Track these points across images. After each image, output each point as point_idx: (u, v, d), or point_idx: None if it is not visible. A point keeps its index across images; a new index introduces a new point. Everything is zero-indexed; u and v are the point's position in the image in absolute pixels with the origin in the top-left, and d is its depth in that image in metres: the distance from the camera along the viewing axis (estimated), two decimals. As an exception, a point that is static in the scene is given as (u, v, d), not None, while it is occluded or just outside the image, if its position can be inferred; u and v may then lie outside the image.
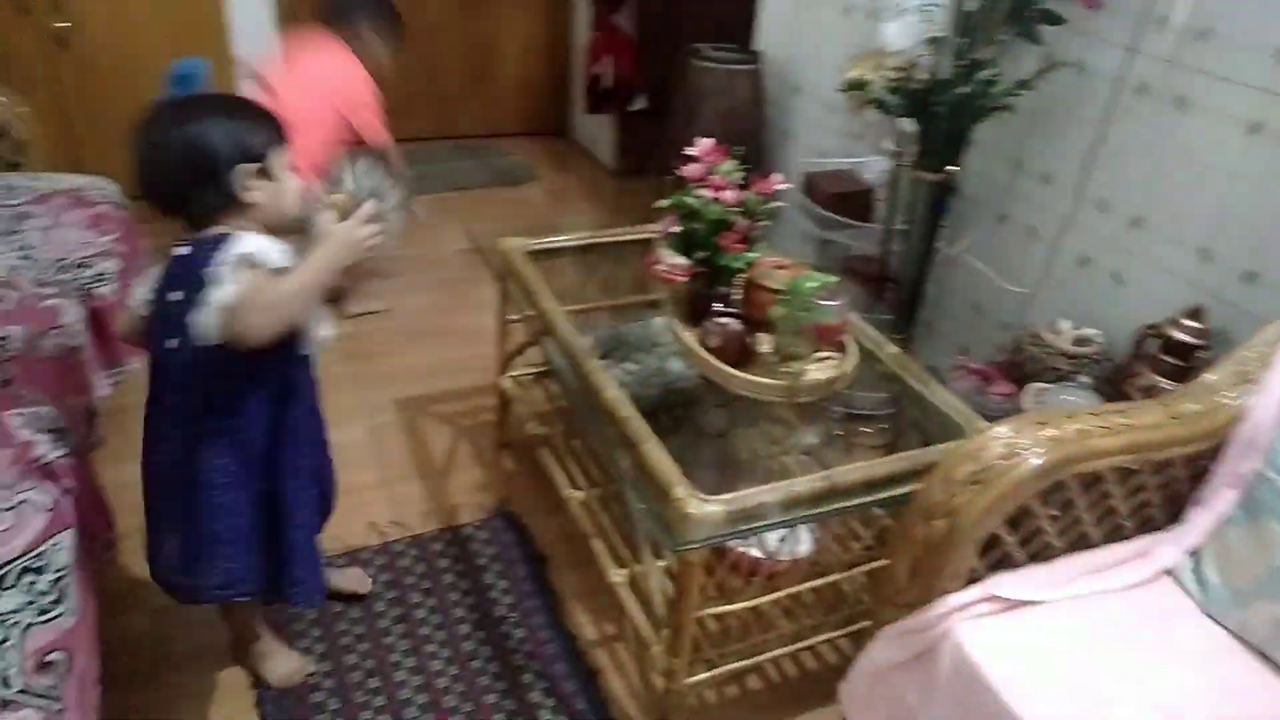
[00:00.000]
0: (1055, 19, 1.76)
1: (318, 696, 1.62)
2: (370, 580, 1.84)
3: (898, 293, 2.20)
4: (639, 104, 3.69)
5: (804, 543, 1.69)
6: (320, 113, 2.34)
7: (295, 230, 1.36)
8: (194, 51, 3.01)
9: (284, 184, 1.33)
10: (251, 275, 1.26)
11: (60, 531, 1.30)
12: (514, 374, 2.22)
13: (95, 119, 2.96)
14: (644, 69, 3.64)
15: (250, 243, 1.27)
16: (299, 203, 1.35)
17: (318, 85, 2.37)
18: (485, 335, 2.66)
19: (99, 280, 1.90)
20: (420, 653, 1.72)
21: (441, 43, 4.01)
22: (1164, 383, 1.66)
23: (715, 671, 1.51)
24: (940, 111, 1.79)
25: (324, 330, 1.39)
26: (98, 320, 1.89)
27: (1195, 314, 1.65)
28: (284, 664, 1.64)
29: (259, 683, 1.63)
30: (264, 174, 1.30)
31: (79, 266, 1.90)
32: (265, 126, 1.31)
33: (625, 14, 3.52)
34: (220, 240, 1.27)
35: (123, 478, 1.58)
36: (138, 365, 2.07)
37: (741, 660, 1.54)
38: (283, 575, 1.45)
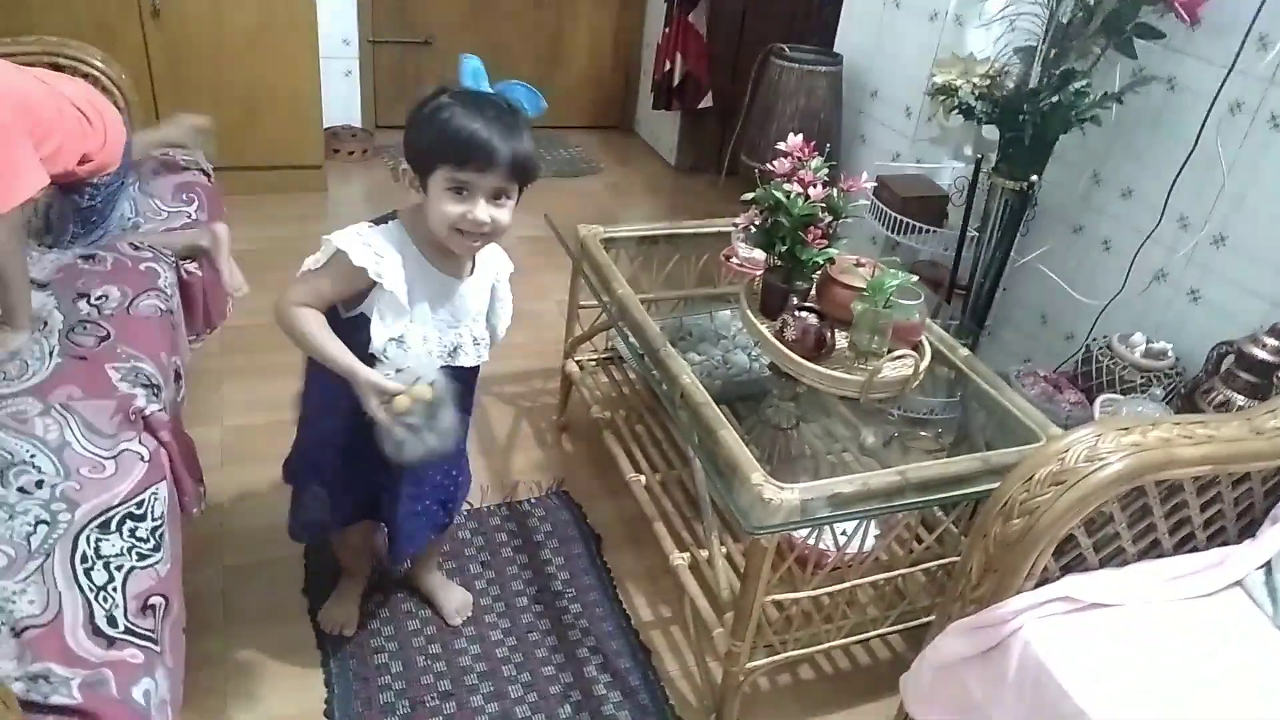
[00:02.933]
0: (1154, 33, 1.75)
1: (380, 658, 1.66)
2: (469, 612, 1.78)
3: (966, 299, 2.20)
4: (706, 102, 3.71)
5: (869, 539, 1.70)
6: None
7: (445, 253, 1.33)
8: (282, 37, 3.10)
9: (431, 208, 1.27)
10: (312, 265, 1.31)
11: (158, 482, 1.36)
12: (579, 358, 2.26)
13: (180, 88, 3.05)
14: (712, 67, 3.67)
15: (355, 238, 1.27)
16: (443, 236, 1.29)
17: None
18: (548, 320, 2.71)
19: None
20: (480, 621, 1.76)
21: (513, 32, 4.06)
22: (1239, 399, 1.65)
23: (776, 658, 1.53)
24: (1027, 120, 1.79)
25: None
26: (184, 289, 1.96)
27: (1277, 332, 1.63)
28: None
29: (324, 643, 1.68)
30: (422, 185, 1.28)
31: (167, 232, 1.97)
32: (443, 144, 1.24)
33: (700, 11, 3.55)
34: (376, 220, 1.33)
35: (198, 441, 1.64)
36: (214, 333, 2.15)
37: (801, 649, 1.56)
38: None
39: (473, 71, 1.28)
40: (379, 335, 1.28)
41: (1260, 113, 1.78)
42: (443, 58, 4.00)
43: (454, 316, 1.39)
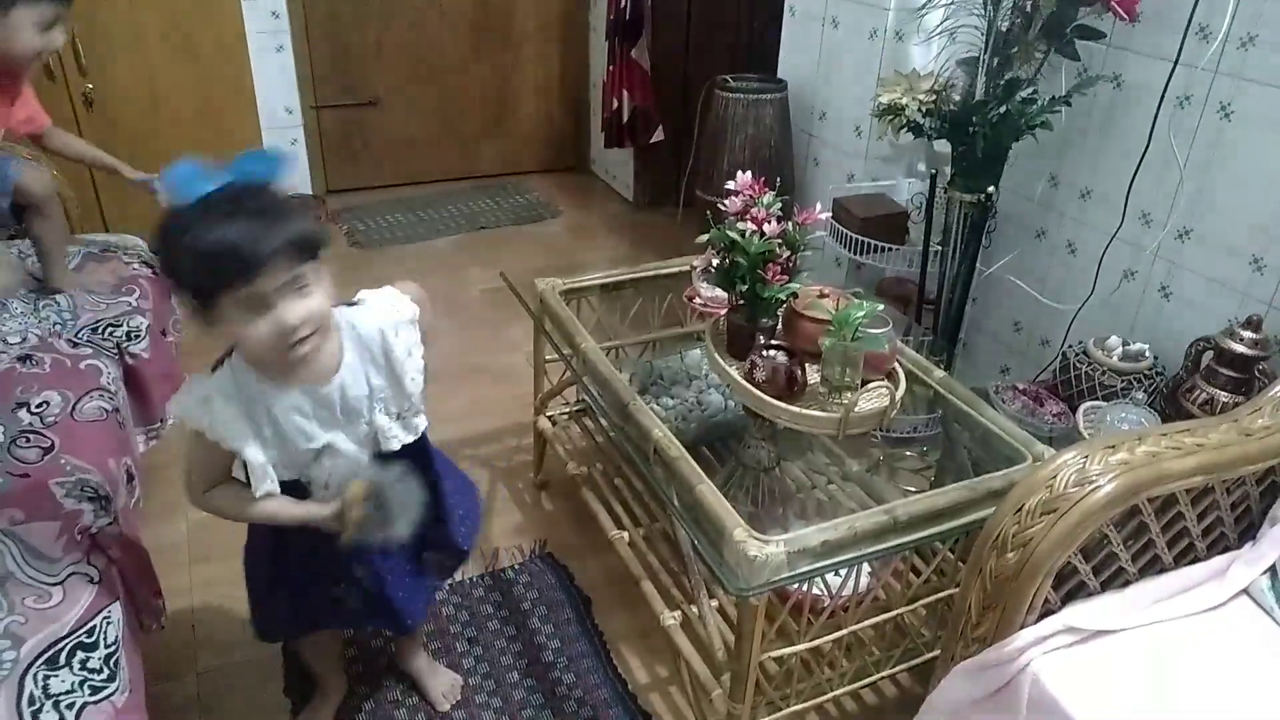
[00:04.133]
0: (1094, 34, 1.73)
1: (370, 754, 1.59)
2: (458, 695, 1.70)
3: (937, 315, 2.16)
4: (657, 136, 3.69)
5: (864, 576, 1.65)
6: None
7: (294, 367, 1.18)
8: (221, 114, 3.05)
9: (239, 336, 1.12)
10: (190, 448, 1.20)
11: (110, 604, 1.29)
12: (550, 413, 2.20)
13: (117, 181, 2.98)
14: (661, 101, 3.65)
15: (190, 401, 1.16)
16: (269, 360, 1.14)
17: None
18: (517, 375, 2.66)
19: (133, 338, 1.90)
20: (470, 703, 1.69)
21: (459, 84, 4.03)
22: (1222, 395, 1.62)
23: (779, 714, 1.47)
24: (977, 132, 1.77)
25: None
26: (132, 378, 1.89)
27: (1253, 324, 1.60)
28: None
29: (310, 742, 1.60)
30: (213, 318, 1.10)
31: (111, 325, 1.91)
32: (207, 272, 1.06)
33: (641, 47, 3.53)
34: (218, 362, 1.20)
35: (162, 540, 1.57)
36: (173, 422, 2.08)
37: (804, 701, 1.49)
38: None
39: (185, 177, 1.07)
40: (261, 482, 1.20)
41: (1209, 103, 1.76)
42: (390, 116, 3.97)
43: (352, 412, 1.25)
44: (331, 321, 1.19)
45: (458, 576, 1.95)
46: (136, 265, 2.13)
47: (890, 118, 1.88)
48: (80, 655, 1.17)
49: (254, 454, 1.18)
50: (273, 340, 1.10)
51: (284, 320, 1.09)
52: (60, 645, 1.16)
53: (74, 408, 1.62)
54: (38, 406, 1.60)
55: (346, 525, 1.20)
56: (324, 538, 1.24)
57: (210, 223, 1.04)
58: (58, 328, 1.85)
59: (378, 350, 1.25)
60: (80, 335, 1.84)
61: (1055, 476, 1.15)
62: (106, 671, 1.18)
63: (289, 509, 1.23)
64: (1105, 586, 1.25)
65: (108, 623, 1.23)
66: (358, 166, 4.01)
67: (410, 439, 1.31)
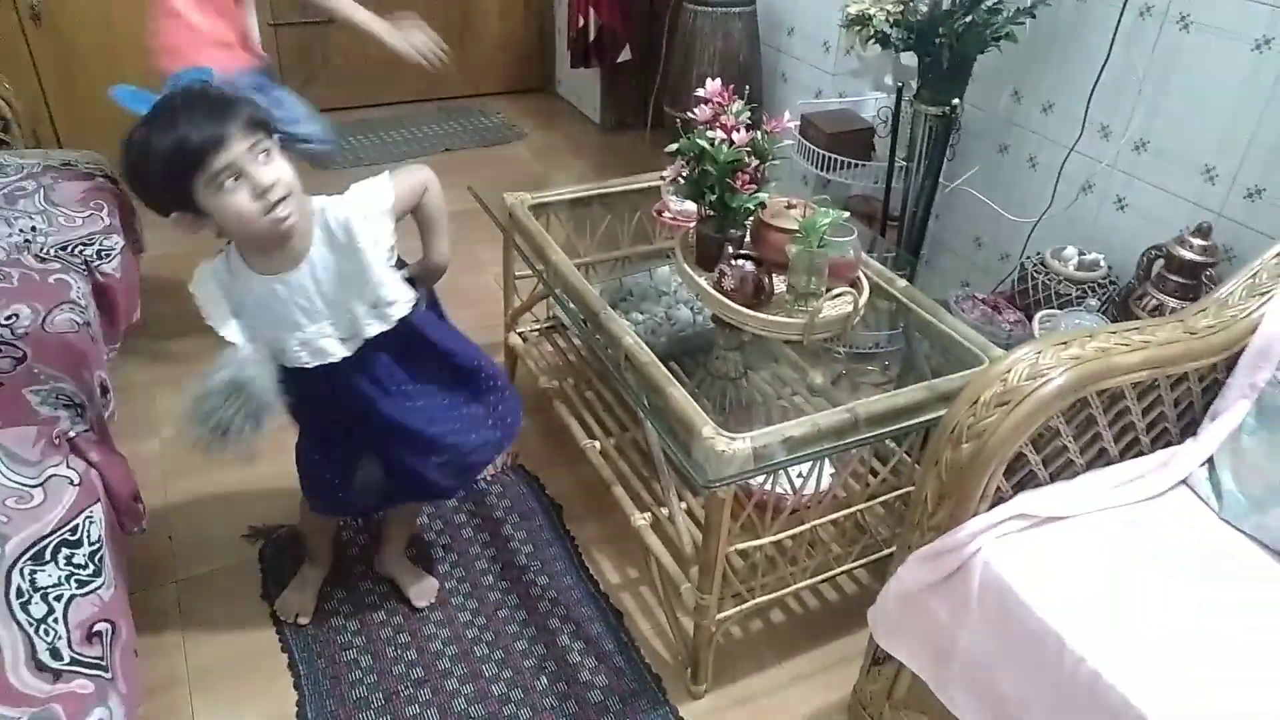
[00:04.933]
0: (1056, -57, 1.74)
1: (349, 654, 1.64)
2: (434, 596, 1.75)
3: (901, 230, 2.20)
4: (624, 56, 3.65)
5: (825, 478, 1.71)
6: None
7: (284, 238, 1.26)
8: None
9: (223, 218, 1.18)
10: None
11: (91, 505, 1.31)
12: (521, 330, 2.22)
13: (70, 96, 2.91)
14: (627, 19, 3.60)
15: (200, 288, 1.29)
16: (256, 229, 1.20)
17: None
18: (488, 295, 2.66)
19: (103, 256, 1.89)
20: (447, 605, 1.74)
21: (419, 3, 3.93)
22: (1171, 301, 1.68)
23: (744, 606, 1.53)
24: (943, 43, 1.78)
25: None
26: (101, 296, 1.88)
27: (1202, 232, 1.66)
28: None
29: (290, 646, 1.65)
30: (198, 211, 1.19)
31: (83, 244, 1.89)
32: (174, 164, 1.13)
33: (607, -37, 3.47)
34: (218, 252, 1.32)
35: (134, 457, 1.58)
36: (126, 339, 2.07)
37: (769, 594, 1.56)
38: None
39: (130, 97, 1.16)
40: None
41: (1169, 14, 1.79)
42: (350, 34, 3.86)
43: (333, 296, 1.31)
44: (305, 199, 1.26)
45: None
46: (99, 179, 2.10)
47: (858, 28, 1.88)
48: (65, 551, 1.20)
49: (230, 332, 1.27)
50: (253, 206, 1.17)
51: (258, 180, 1.17)
52: (45, 542, 1.19)
53: (45, 320, 1.62)
54: (7, 319, 1.60)
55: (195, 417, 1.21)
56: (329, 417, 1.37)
57: (166, 122, 1.14)
58: (26, 243, 1.83)
59: (344, 239, 1.28)
60: (47, 252, 1.82)
61: (1009, 371, 1.20)
62: (92, 567, 1.21)
63: None
64: (1055, 478, 1.32)
65: (90, 522, 1.26)
66: (317, 87, 3.91)
67: (385, 327, 1.35)
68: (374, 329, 1.34)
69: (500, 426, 1.56)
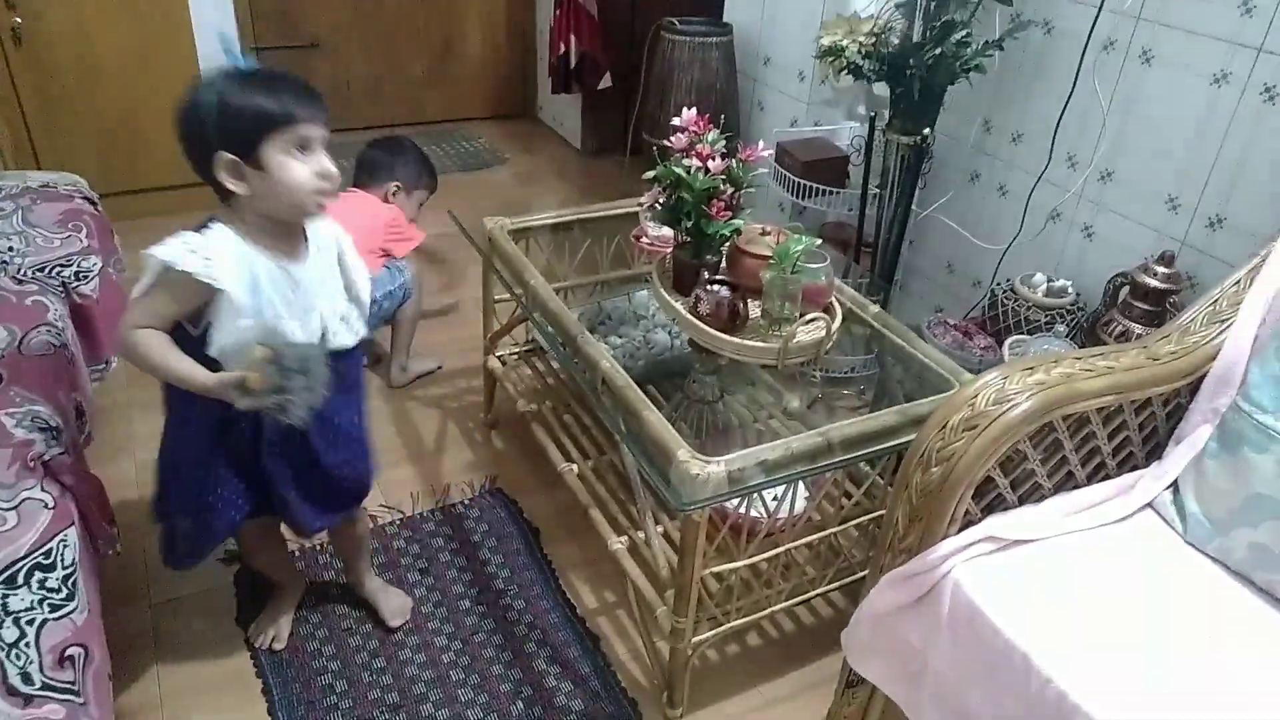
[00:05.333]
0: (1025, -21, 1.80)
1: (324, 678, 1.63)
2: (408, 615, 1.75)
3: (874, 256, 2.24)
4: (605, 83, 3.69)
5: (799, 501, 1.73)
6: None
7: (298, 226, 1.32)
8: (157, 51, 2.98)
9: (279, 178, 1.22)
10: (140, 290, 1.24)
11: (65, 528, 1.30)
12: (500, 354, 2.24)
13: (54, 117, 2.91)
14: (608, 47, 3.65)
15: (179, 246, 1.20)
16: (302, 201, 1.26)
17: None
18: (467, 318, 2.68)
19: (81, 278, 1.88)
20: (423, 629, 1.74)
21: (402, 28, 3.98)
22: (1136, 327, 1.71)
23: (720, 629, 1.54)
24: (914, 74, 1.82)
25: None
26: (80, 317, 1.88)
27: (1166, 260, 1.70)
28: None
29: (264, 671, 1.64)
30: (254, 164, 1.21)
31: (61, 265, 1.89)
32: (269, 109, 1.20)
33: (588, -9, 3.52)
34: (199, 227, 1.26)
35: (110, 480, 1.58)
36: (117, 364, 2.07)
37: (745, 617, 1.58)
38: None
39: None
40: (225, 336, 1.25)
41: (1132, 48, 1.84)
42: (332, 60, 3.90)
43: (309, 299, 1.34)
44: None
45: (408, 511, 2.00)
46: (78, 200, 2.10)
47: (831, 59, 1.92)
48: (39, 575, 1.19)
49: (240, 294, 1.24)
50: (311, 183, 1.24)
51: (326, 166, 1.25)
52: (18, 566, 1.18)
53: (21, 342, 1.61)
54: (-17, 341, 1.59)
55: (252, 388, 1.19)
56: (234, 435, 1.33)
57: (271, 80, 1.22)
58: (3, 265, 1.83)
59: (333, 250, 1.40)
60: (24, 274, 1.82)
61: (976, 396, 1.23)
62: (65, 591, 1.20)
63: (199, 374, 1.24)
64: (1023, 501, 1.34)
65: (64, 545, 1.25)
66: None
67: (351, 341, 1.41)
68: (344, 338, 1.39)
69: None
